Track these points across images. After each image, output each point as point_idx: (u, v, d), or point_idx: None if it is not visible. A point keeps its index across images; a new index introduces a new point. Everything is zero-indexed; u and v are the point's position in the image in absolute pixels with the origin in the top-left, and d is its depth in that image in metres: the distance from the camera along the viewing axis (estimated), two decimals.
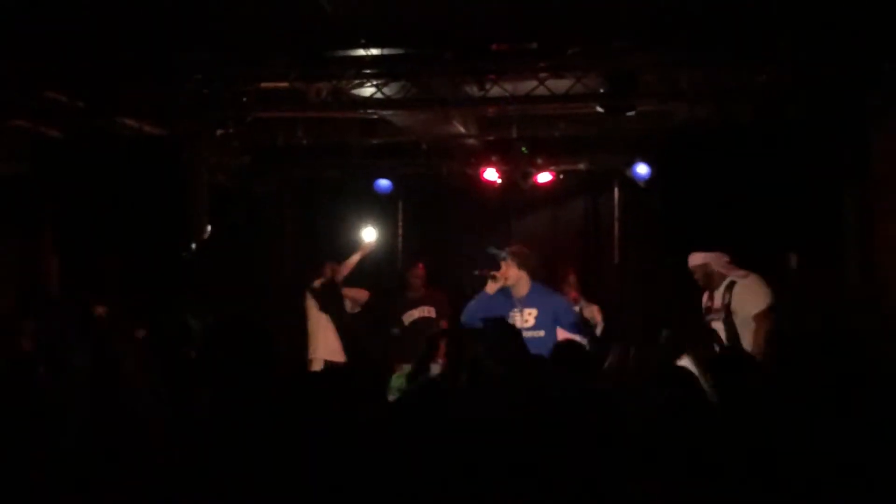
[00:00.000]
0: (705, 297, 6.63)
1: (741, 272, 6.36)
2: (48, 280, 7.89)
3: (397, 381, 5.12)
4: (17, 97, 6.56)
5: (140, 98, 6.65)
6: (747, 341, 6.16)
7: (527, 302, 6.41)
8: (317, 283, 8.75)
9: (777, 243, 6.47)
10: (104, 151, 6.52)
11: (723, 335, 6.30)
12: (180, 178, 6.30)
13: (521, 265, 6.44)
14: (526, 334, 5.88)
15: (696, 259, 6.52)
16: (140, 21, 5.57)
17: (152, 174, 6.33)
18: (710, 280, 6.46)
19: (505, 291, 6.43)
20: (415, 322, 8.82)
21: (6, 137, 7.02)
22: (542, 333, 6.27)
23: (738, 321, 6.24)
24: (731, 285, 6.34)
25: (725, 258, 6.42)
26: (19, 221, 7.78)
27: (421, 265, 9.01)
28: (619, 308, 8.75)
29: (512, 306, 6.43)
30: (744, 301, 6.25)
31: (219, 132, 6.81)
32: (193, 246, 6.21)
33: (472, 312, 6.34)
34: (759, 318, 6.19)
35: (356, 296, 8.94)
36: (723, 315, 6.33)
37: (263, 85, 6.48)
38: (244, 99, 6.54)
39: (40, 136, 6.84)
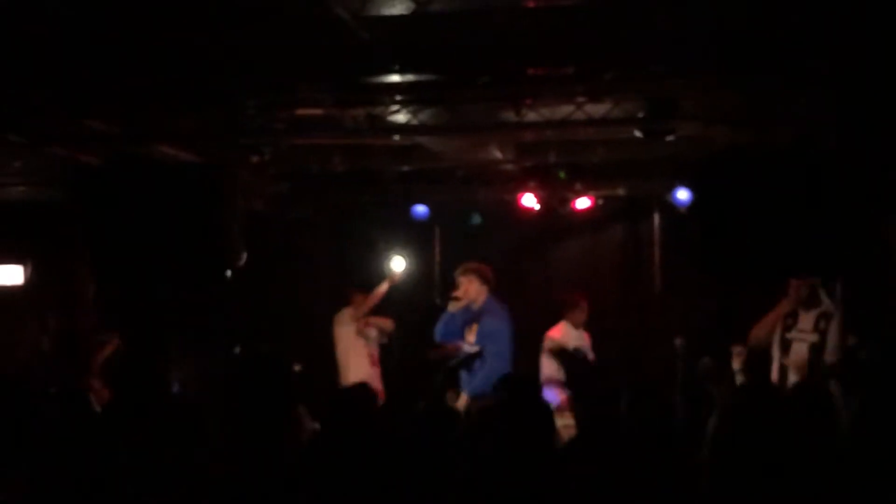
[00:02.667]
0: (784, 307, 6.44)
1: (833, 305, 6.29)
2: (84, 305, 7.92)
3: None
4: (54, 125, 6.62)
5: (176, 125, 6.67)
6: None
7: (477, 317, 6.72)
8: (347, 312, 8.70)
9: (821, 271, 6.31)
10: (140, 178, 6.53)
11: (804, 359, 6.21)
12: (216, 204, 6.29)
13: (484, 281, 6.60)
14: (470, 348, 6.52)
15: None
16: (176, 48, 5.58)
17: (188, 201, 6.32)
18: (812, 300, 6.34)
19: (465, 309, 6.73)
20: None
21: (44, 164, 7.09)
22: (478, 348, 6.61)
23: (826, 352, 6.17)
24: (828, 315, 6.24)
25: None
26: (57, 247, 7.84)
27: None
28: (662, 335, 8.60)
29: (466, 323, 6.68)
30: (838, 336, 6.17)
31: (254, 159, 6.80)
32: (229, 273, 6.18)
33: (439, 332, 6.71)
34: None
35: (383, 325, 8.84)
36: (814, 339, 6.23)
37: (299, 112, 6.46)
38: (279, 126, 6.53)
39: (78, 163, 6.88)
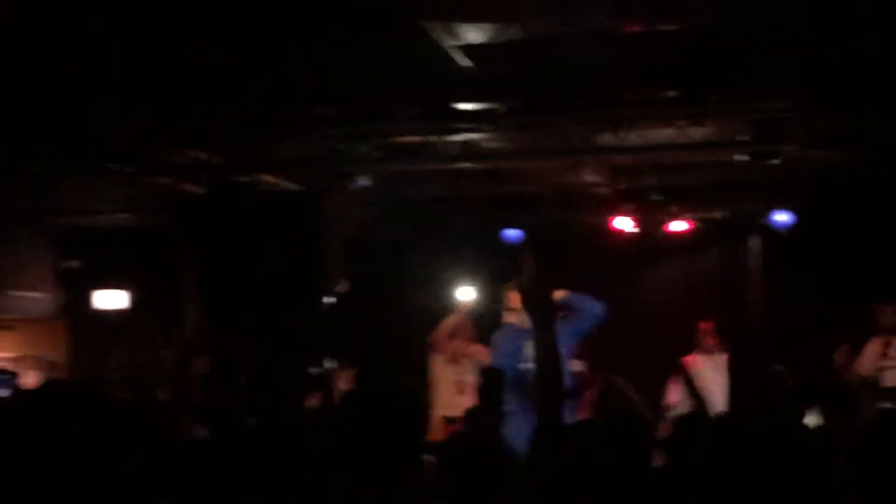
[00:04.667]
0: (878, 342, 6.30)
1: None
2: (188, 329, 8.09)
3: None
4: (161, 156, 6.81)
5: (277, 154, 6.79)
6: None
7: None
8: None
9: None
10: (242, 206, 6.68)
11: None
12: (316, 232, 6.39)
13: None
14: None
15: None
16: (277, 80, 5.69)
17: (289, 227, 6.45)
18: None
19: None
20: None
21: (151, 193, 7.29)
22: None
23: None
24: None
25: None
26: (162, 272, 8.04)
27: None
28: (764, 360, 8.41)
29: (526, 337, 6.34)
30: None
31: (353, 186, 6.87)
32: (328, 299, 6.26)
33: (506, 349, 6.36)
34: None
35: (476, 356, 8.63)
36: None
37: (397, 140, 6.51)
38: (378, 154, 6.60)
39: (183, 192, 7.06)
